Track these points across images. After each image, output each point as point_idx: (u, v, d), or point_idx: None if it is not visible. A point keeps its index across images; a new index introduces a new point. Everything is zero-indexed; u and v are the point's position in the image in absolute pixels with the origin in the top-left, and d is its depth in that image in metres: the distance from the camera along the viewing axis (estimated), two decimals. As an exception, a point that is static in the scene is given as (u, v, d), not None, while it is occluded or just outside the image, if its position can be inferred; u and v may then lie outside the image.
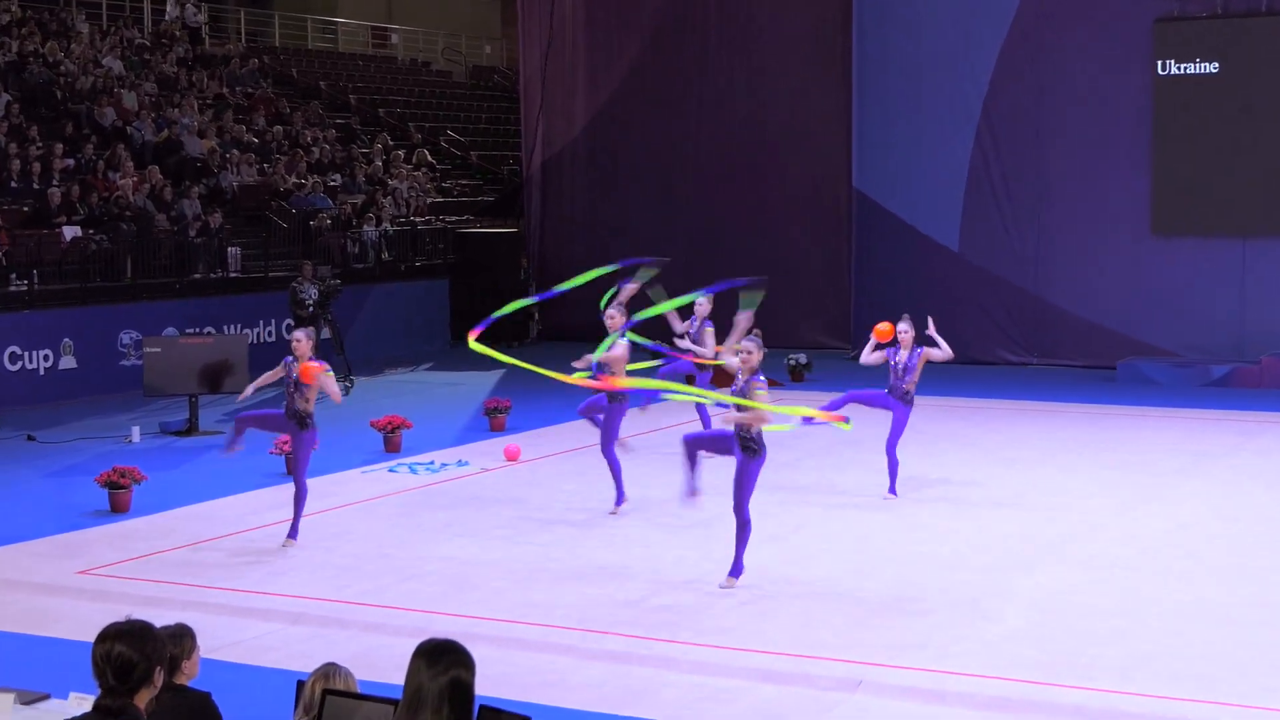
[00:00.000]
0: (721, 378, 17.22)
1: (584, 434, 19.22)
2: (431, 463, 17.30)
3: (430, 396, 23.10)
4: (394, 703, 5.27)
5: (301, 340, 13.43)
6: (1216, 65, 24.83)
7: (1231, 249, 25.10)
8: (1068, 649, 10.20)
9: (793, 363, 24.15)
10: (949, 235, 26.85)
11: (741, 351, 11.70)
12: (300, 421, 13.33)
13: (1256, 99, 24.59)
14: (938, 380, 23.88)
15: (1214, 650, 10.17)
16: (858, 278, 27.70)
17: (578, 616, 11.04)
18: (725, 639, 10.48)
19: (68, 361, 22.63)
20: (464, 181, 34.92)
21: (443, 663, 4.95)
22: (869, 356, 15.24)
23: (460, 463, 17.23)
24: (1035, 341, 26.30)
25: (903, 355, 15.10)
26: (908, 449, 17.12)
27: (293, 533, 13.47)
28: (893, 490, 15.05)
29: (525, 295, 30.16)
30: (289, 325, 24.92)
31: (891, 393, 15.12)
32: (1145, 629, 10.67)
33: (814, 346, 27.54)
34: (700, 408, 17.27)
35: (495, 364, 26.85)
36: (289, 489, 14.36)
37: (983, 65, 26.40)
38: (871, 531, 13.82)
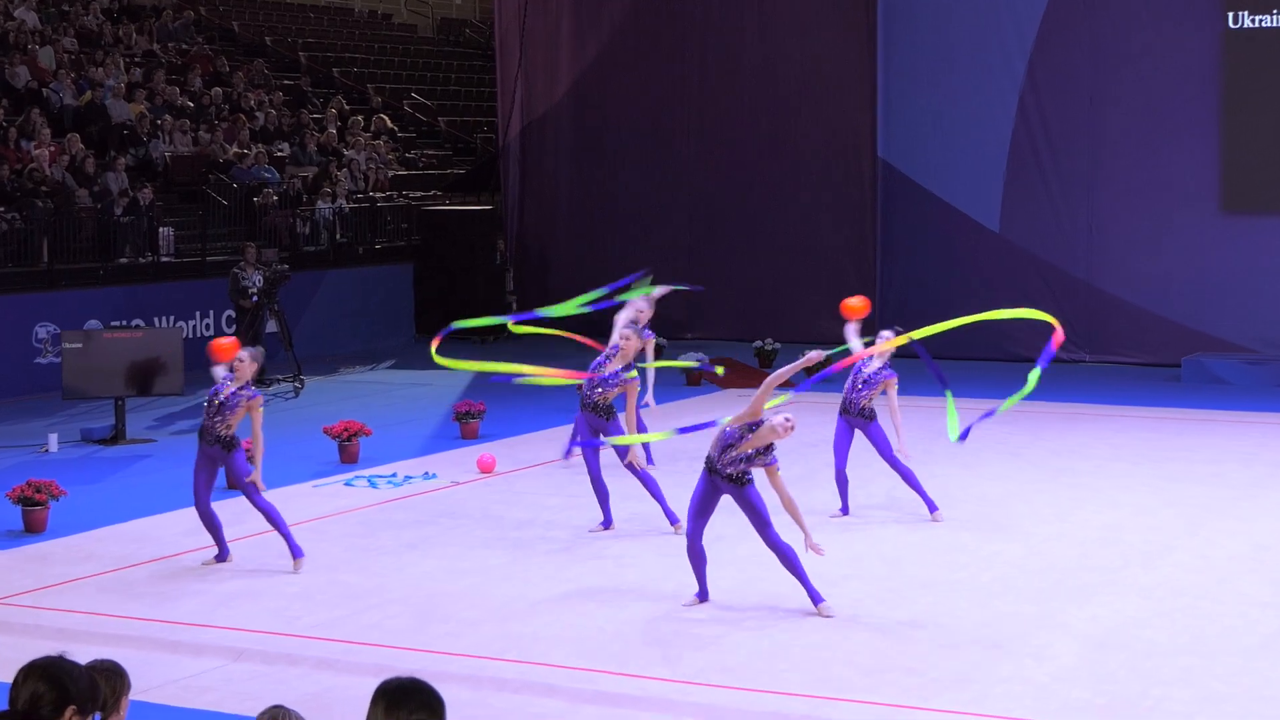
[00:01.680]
0: None
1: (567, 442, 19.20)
2: (394, 475, 17.27)
3: (392, 399, 23.07)
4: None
5: (245, 362, 13.43)
6: (1297, 16, 24.85)
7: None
8: (1128, 691, 10.17)
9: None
10: (988, 213, 26.83)
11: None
12: (226, 446, 13.42)
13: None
14: (974, 382, 23.89)
15: (1297, 691, 10.15)
16: (884, 263, 27.70)
17: (563, 652, 11.01)
18: (733, 678, 10.45)
19: (-26, 358, 22.62)
20: (431, 152, 34.88)
21: (407, 706, 4.92)
22: (852, 341, 15.37)
23: (427, 475, 17.20)
24: (1088, 336, 26.30)
25: (873, 365, 15.13)
26: (942, 458, 17.11)
27: (295, 552, 13.48)
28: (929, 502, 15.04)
29: (503, 282, 30.41)
30: (230, 317, 24.91)
31: (848, 411, 15.10)
32: (1217, 667, 10.63)
33: (836, 341, 27.44)
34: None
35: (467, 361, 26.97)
36: (232, 505, 14.32)
37: (1027, 19, 26.39)
38: (901, 554, 13.79)
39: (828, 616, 11.79)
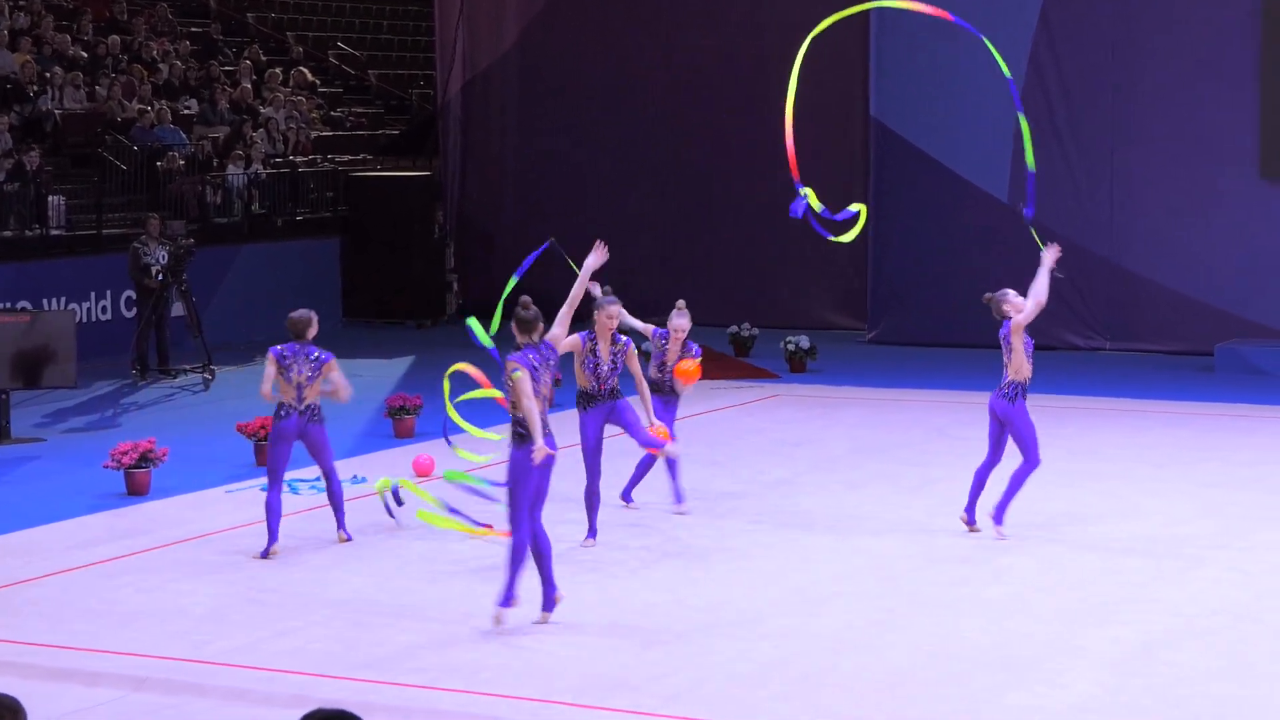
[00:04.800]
0: None
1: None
2: (317, 479, 17.16)
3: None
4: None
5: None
6: (1346, -42, 24.91)
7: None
8: (1156, 722, 10.20)
9: (792, 347, 24.19)
10: (997, 181, 26.83)
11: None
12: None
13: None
14: (983, 372, 23.91)
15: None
16: (877, 237, 27.67)
17: (510, 680, 10.99)
18: (709, 709, 10.44)
19: None
20: (360, 110, 34.78)
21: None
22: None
23: (356, 479, 17.14)
24: (1110, 320, 26.36)
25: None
26: (943, 458, 17.15)
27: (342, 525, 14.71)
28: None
29: (442, 258, 30.31)
30: (130, 298, 24.80)
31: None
32: (1256, 696, 10.67)
33: (823, 326, 27.60)
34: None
35: (399, 351, 26.99)
36: (129, 513, 14.29)
37: (1042, -44, 26.42)
38: (900, 569, 13.80)
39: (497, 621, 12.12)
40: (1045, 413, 20.60)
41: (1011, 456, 14.67)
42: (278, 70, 33.05)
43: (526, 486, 12.08)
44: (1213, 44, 25.68)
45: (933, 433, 19.53)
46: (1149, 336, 26.19)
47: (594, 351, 14.56)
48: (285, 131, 31.11)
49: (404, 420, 19.66)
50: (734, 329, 25.78)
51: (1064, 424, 20.14)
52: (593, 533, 14.60)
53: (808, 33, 28.32)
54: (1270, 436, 19.52)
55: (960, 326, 26.48)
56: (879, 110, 27.56)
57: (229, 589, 13.31)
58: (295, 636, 12.03)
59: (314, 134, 31.99)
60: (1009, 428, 14.60)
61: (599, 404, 14.52)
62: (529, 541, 12.16)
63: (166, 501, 16.30)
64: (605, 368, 14.52)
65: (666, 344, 16.01)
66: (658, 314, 28.45)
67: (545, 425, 12.07)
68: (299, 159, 30.73)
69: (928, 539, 14.76)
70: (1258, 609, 12.60)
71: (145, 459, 16.52)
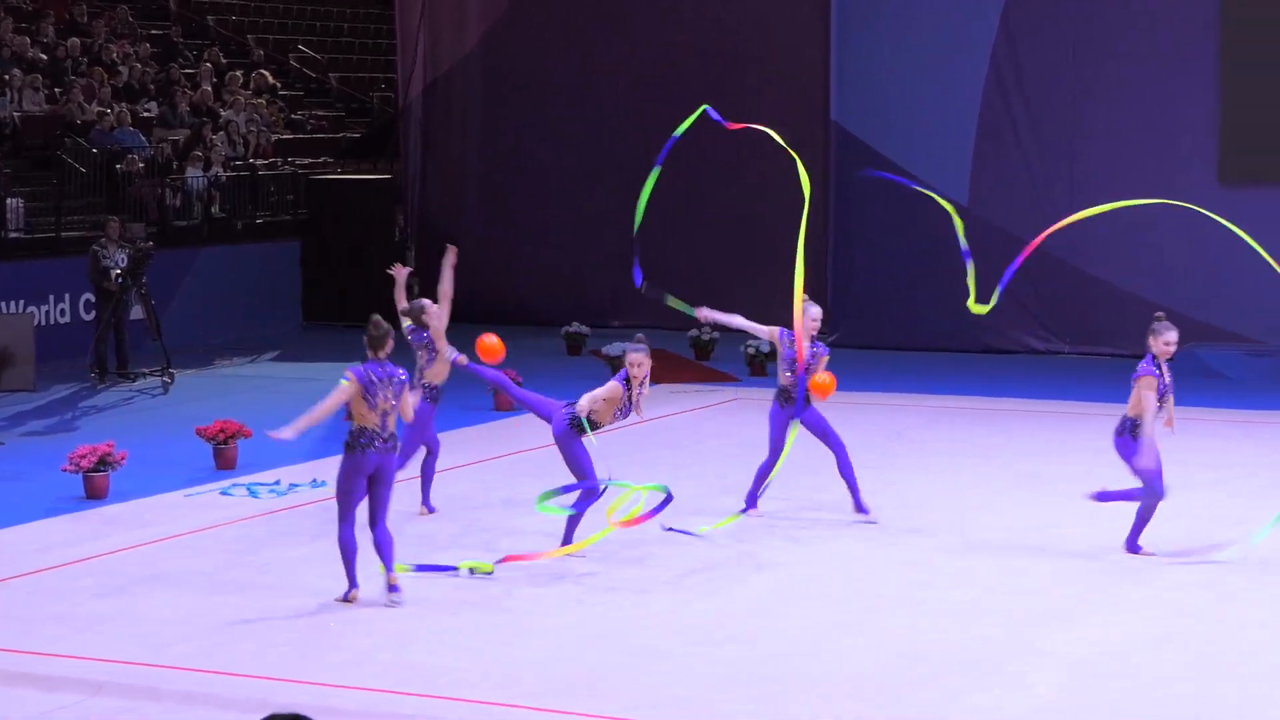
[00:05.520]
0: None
1: (480, 446, 19.16)
2: (277, 483, 17.16)
3: (276, 395, 22.93)
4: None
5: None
6: (1308, -38, 25.01)
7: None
8: (1119, 725, 10.20)
9: (751, 350, 24.19)
10: (956, 184, 26.83)
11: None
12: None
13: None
14: (943, 376, 23.96)
15: (1310, 725, 10.20)
16: (837, 239, 27.72)
17: (468, 684, 10.95)
18: (674, 711, 10.41)
19: None
20: (320, 113, 34.72)
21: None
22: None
23: (315, 483, 17.10)
24: (1069, 324, 26.41)
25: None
26: (904, 461, 17.14)
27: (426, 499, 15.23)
28: None
29: (402, 261, 30.14)
30: (90, 301, 24.70)
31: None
32: (1219, 697, 10.69)
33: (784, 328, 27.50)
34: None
35: (359, 355, 26.78)
36: (88, 516, 14.23)
37: (1002, -39, 26.47)
38: (862, 571, 13.79)
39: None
40: (1004, 416, 20.73)
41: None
42: (238, 73, 32.97)
43: (350, 489, 12.90)
44: (1172, 48, 25.75)
45: (893, 436, 19.53)
46: (1108, 340, 26.21)
47: (630, 400, 14.23)
48: (245, 134, 31.03)
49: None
50: (695, 332, 25.76)
51: (1023, 427, 20.19)
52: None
53: (772, 28, 28.57)
54: (1230, 440, 19.57)
55: (921, 330, 26.55)
56: (840, 114, 27.57)
57: (188, 593, 13.24)
58: (254, 640, 11.97)
59: (274, 137, 31.91)
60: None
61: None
62: (353, 537, 12.85)
63: (125, 505, 16.22)
64: (631, 415, 14.36)
65: (794, 343, 15.33)
66: (618, 316, 28.70)
67: (377, 435, 12.91)
68: (259, 162, 30.65)
69: (889, 541, 14.76)
70: (1219, 612, 12.62)
71: (104, 462, 16.43)
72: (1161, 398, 14.63)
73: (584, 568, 13.86)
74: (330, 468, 17.73)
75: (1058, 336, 26.44)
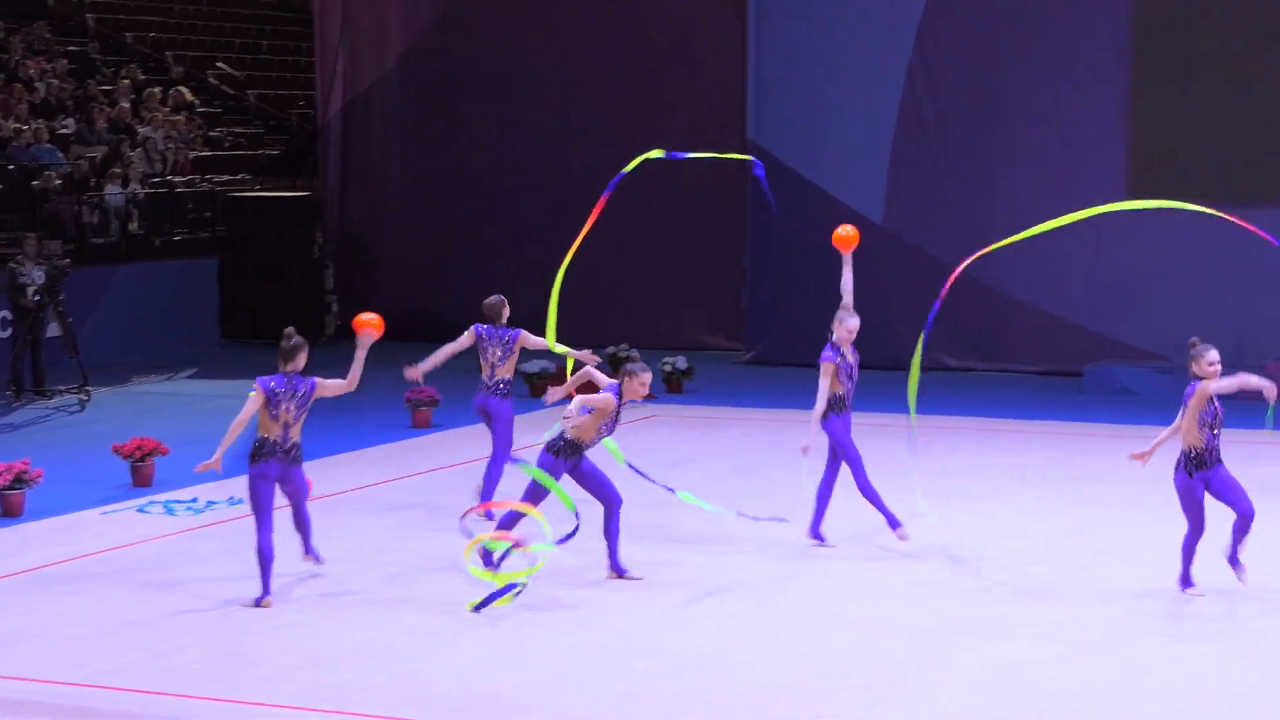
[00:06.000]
0: None
1: (396, 464, 19.14)
2: (194, 500, 17.10)
3: (193, 413, 22.83)
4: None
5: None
6: (1218, -20, 25.27)
7: (1230, 222, 25.45)
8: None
9: (669, 368, 24.23)
10: (871, 203, 27.00)
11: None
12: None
13: (1268, 23, 24.94)
14: (856, 392, 24.02)
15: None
16: (753, 257, 27.79)
17: (387, 702, 10.96)
18: (583, 729, 10.47)
19: None
20: (239, 130, 34.56)
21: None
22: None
23: (233, 500, 17.03)
24: (982, 341, 26.54)
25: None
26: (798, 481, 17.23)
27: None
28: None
29: (321, 279, 30.16)
30: (6, 319, 24.54)
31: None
32: (1124, 715, 10.79)
33: (700, 347, 27.65)
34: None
35: (275, 372, 26.73)
36: (4, 534, 14.16)
37: (915, -17, 26.64)
38: (773, 587, 13.84)
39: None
40: (919, 432, 20.77)
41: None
42: (156, 90, 32.79)
43: (258, 497, 13.20)
44: (1084, 70, 25.96)
45: (810, 452, 19.57)
46: (1020, 357, 26.40)
47: (618, 414, 13.95)
48: (164, 151, 30.87)
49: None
50: (612, 349, 25.77)
51: (937, 443, 20.28)
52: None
53: (691, 49, 28.65)
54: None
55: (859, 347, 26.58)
56: (757, 133, 27.67)
57: (106, 611, 13.20)
58: (173, 657, 11.95)
59: (193, 154, 31.76)
60: (1209, 490, 13.62)
61: (572, 460, 13.87)
62: (271, 545, 13.16)
63: (41, 523, 16.14)
64: (609, 431, 14.01)
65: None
66: (539, 333, 28.61)
67: (279, 446, 13.16)
68: (177, 179, 30.50)
69: (800, 557, 14.82)
70: (1127, 628, 12.74)
71: (20, 480, 16.36)
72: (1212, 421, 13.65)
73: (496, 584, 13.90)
74: (245, 486, 17.75)
75: (971, 352, 26.57)
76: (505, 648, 12.18)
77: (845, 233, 15.62)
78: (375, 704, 10.90)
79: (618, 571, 13.98)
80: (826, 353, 15.05)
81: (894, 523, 15.01)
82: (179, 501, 17.02)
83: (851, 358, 15.05)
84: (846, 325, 15.16)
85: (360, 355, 13.19)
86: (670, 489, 14.97)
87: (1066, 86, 26.05)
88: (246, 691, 11.16)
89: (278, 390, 13.13)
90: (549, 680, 11.43)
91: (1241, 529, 13.49)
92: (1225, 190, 25.29)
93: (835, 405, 15.03)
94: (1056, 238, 25.94)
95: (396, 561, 14.76)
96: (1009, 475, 18.44)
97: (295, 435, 13.23)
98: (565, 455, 13.80)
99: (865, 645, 12.20)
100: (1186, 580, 13.55)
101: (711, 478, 18.31)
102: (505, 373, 16.36)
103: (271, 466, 13.18)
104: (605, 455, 14.37)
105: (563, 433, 13.77)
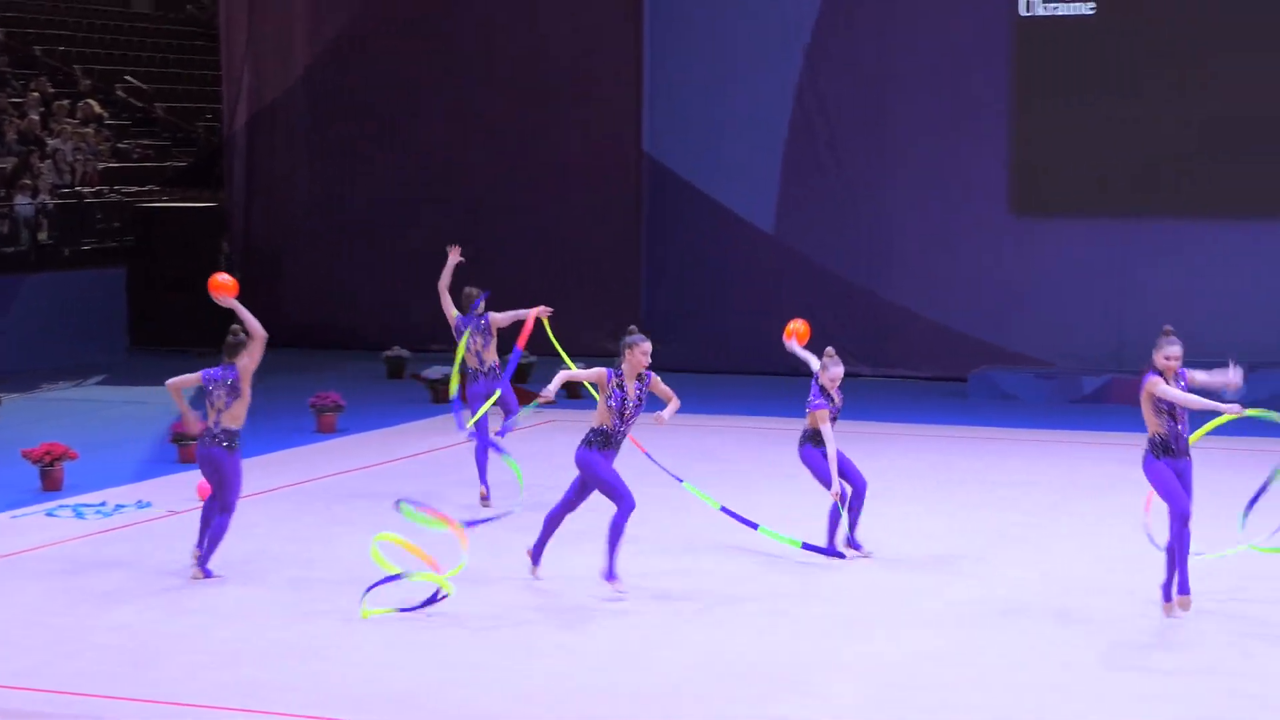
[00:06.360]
0: None
1: (303, 467, 19.07)
2: (103, 504, 16.98)
3: (102, 419, 22.68)
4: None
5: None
6: (1092, 6, 25.48)
7: (1108, 233, 25.77)
8: (913, 730, 10.38)
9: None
10: (763, 214, 27.13)
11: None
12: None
13: (1140, 47, 25.25)
14: (751, 397, 24.15)
15: (1090, 729, 10.43)
16: (649, 266, 27.85)
17: (297, 699, 10.92)
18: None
19: None
20: (147, 142, 34.33)
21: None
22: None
23: (141, 503, 16.95)
24: (870, 348, 26.65)
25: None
26: (712, 484, 17.28)
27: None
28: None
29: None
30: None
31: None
32: (1008, 707, 10.89)
33: (599, 354, 27.54)
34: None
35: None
36: None
37: (806, 3, 26.73)
38: (668, 586, 13.86)
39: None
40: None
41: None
42: (65, 102, 32.55)
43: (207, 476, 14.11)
44: (967, 87, 26.17)
45: (700, 455, 19.66)
46: (906, 363, 26.58)
47: (620, 386, 13.59)
48: (72, 162, 30.65)
49: (188, 446, 19.42)
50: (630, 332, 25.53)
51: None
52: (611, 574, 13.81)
53: (587, 63, 28.64)
54: (1021, 459, 19.90)
55: (729, 353, 26.74)
56: (652, 146, 27.73)
57: (15, 612, 13.08)
58: (81, 659, 11.85)
59: (101, 165, 31.54)
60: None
61: (612, 450, 13.64)
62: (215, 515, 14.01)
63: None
64: (631, 405, 13.59)
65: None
66: (437, 340, 28.58)
67: (208, 432, 14.07)
68: (86, 190, 30.28)
69: (694, 557, 14.87)
70: (1008, 623, 12.84)
71: (-69, 485, 16.23)
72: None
73: (406, 584, 13.86)
74: (153, 490, 17.68)
75: (858, 359, 26.66)
76: (411, 646, 12.14)
77: (795, 327, 15.45)
78: (284, 702, 10.84)
79: (609, 578, 13.62)
80: (819, 400, 14.74)
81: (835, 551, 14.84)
82: (88, 505, 16.89)
83: (839, 400, 14.88)
84: (830, 373, 14.87)
85: (240, 310, 14.45)
86: (678, 478, 15.29)
87: (950, 103, 26.27)
88: (156, 691, 11.08)
89: (214, 380, 14.17)
90: (448, 677, 11.41)
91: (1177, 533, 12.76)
92: (1100, 203, 25.65)
93: (814, 438, 14.85)
94: (940, 251, 26.28)
95: (305, 562, 14.71)
96: (898, 476, 18.53)
97: (226, 421, 14.03)
98: (600, 447, 13.56)
99: (759, 642, 12.24)
100: (1183, 587, 12.73)
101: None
102: (492, 357, 17.33)
103: (198, 451, 14.22)
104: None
105: (591, 428, 13.60)
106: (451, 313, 17.32)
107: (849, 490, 14.79)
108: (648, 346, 13.72)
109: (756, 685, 11.25)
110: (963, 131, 26.21)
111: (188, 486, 17.60)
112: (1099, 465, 19.44)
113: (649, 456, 15.06)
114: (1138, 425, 18.53)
